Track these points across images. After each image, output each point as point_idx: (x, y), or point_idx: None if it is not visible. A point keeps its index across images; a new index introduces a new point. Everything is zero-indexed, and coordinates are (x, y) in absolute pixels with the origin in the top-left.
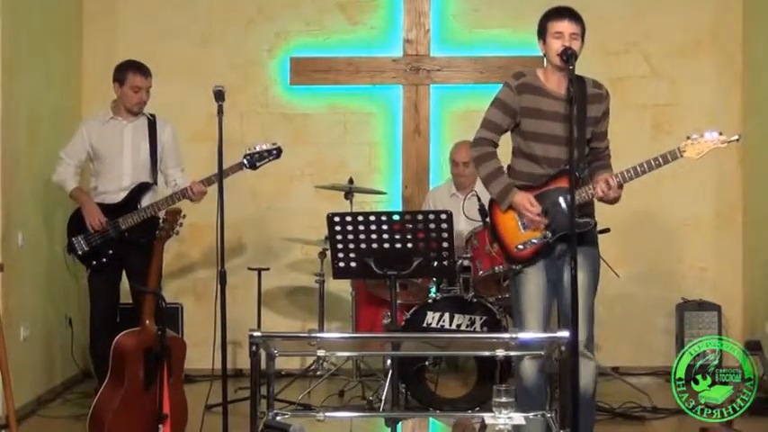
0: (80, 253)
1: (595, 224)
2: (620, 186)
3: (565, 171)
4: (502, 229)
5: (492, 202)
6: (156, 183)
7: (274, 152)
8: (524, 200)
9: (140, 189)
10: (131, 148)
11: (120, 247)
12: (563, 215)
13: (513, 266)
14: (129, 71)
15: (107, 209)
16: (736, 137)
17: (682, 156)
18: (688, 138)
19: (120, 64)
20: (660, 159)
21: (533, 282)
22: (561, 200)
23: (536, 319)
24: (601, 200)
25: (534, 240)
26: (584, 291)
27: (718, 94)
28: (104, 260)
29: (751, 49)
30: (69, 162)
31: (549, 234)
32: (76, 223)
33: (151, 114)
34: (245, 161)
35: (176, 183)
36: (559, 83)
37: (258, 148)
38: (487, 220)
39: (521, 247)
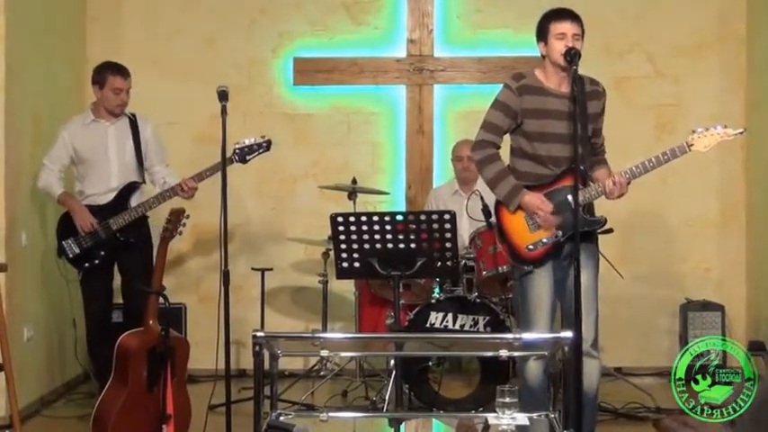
0: (71, 256)
1: (605, 221)
2: (628, 182)
3: (571, 169)
4: (510, 229)
5: (498, 202)
6: (144, 181)
7: (264, 145)
8: (535, 199)
9: (129, 189)
10: (116, 148)
11: (112, 248)
12: (573, 213)
13: (525, 267)
14: (109, 73)
15: (96, 210)
16: (741, 129)
17: (690, 149)
18: (694, 131)
19: (98, 66)
20: (668, 154)
21: (543, 283)
22: (570, 198)
23: (545, 320)
24: (607, 197)
25: (545, 240)
26: (590, 290)
27: (721, 93)
28: (97, 262)
29: (755, 48)
30: (52, 168)
31: (560, 233)
32: (65, 227)
33: (132, 114)
34: (235, 155)
35: (165, 180)
36: (560, 82)
37: (248, 142)
38: (491, 220)
39: (531, 247)
